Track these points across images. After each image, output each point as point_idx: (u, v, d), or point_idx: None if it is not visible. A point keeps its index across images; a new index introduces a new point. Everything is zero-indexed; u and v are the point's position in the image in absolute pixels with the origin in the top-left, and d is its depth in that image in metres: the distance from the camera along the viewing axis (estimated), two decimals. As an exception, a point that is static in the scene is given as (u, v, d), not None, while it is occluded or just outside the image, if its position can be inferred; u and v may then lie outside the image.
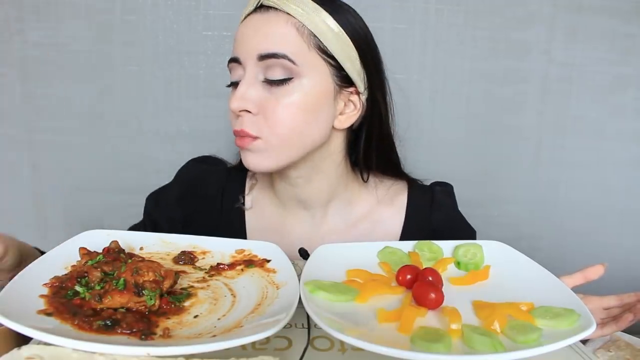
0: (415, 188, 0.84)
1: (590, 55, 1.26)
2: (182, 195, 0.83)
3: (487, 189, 1.31)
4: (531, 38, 1.24)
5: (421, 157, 1.24)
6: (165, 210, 0.83)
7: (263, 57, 0.66)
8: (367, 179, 0.80)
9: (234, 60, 0.69)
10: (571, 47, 1.25)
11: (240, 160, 0.84)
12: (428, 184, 0.87)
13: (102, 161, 1.24)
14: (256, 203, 0.83)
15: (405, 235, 0.81)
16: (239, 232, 0.81)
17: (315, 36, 0.67)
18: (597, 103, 1.29)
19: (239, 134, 0.68)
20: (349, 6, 0.71)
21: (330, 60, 0.68)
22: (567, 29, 1.25)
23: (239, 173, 0.85)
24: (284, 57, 0.66)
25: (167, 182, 0.86)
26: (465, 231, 0.86)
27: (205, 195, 0.83)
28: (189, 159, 0.87)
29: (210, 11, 1.19)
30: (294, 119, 0.67)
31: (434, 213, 0.83)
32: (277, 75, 0.66)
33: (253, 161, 0.70)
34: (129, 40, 1.18)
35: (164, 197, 0.85)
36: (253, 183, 0.84)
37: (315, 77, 0.68)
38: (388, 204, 0.82)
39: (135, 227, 0.85)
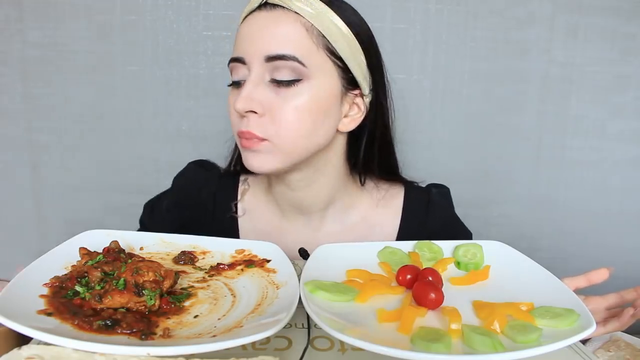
0: (412, 190, 0.83)
1: (590, 55, 1.26)
2: (175, 203, 0.82)
3: (487, 189, 1.31)
4: (531, 38, 1.24)
5: (421, 158, 1.25)
6: (159, 219, 0.82)
7: (271, 59, 0.64)
8: (365, 182, 0.79)
9: (237, 60, 0.67)
10: (571, 47, 1.25)
11: (230, 165, 0.82)
12: (424, 185, 0.86)
13: (102, 161, 1.24)
14: (249, 209, 0.81)
15: (401, 238, 0.80)
16: (232, 238, 0.80)
17: (324, 37, 0.65)
18: (597, 103, 1.29)
19: (245, 136, 0.66)
20: (351, 6, 0.70)
21: (338, 62, 0.67)
22: (567, 29, 1.25)
23: (230, 178, 0.83)
24: (293, 59, 0.64)
25: (167, 183, 0.86)
26: (461, 233, 0.85)
27: (198, 202, 0.81)
28: (189, 159, 0.86)
29: (210, 11, 1.19)
30: (301, 122, 0.65)
31: (430, 215, 0.82)
32: (285, 76, 0.64)
33: (257, 162, 0.67)
34: (129, 40, 1.18)
35: (158, 206, 0.84)
36: (245, 188, 0.82)
37: (323, 79, 0.66)
38: (385, 207, 0.81)
39: None
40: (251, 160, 0.68)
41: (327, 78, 0.67)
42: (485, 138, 1.29)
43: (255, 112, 0.65)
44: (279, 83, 0.65)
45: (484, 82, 1.26)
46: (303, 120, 0.65)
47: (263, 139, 0.66)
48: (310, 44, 0.65)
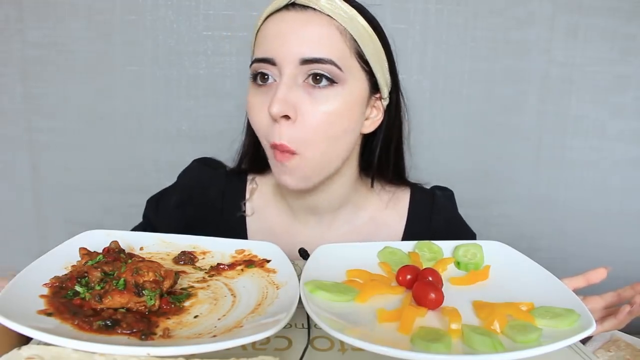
0: (417, 192, 0.83)
1: (590, 55, 1.26)
2: (182, 201, 0.81)
3: (487, 189, 1.31)
4: (531, 38, 1.24)
5: (421, 158, 1.24)
6: (165, 216, 0.81)
7: (307, 61, 0.62)
8: (373, 184, 0.79)
9: (266, 60, 0.64)
10: (571, 47, 1.25)
11: (239, 163, 0.82)
12: (428, 187, 0.86)
13: (102, 161, 1.24)
14: (258, 208, 0.81)
15: (406, 239, 0.80)
16: (241, 238, 0.79)
17: (355, 41, 0.65)
18: (597, 103, 1.29)
19: (279, 149, 0.65)
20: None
21: (365, 66, 0.67)
22: (567, 29, 1.25)
23: (238, 177, 0.82)
24: (331, 62, 0.63)
25: (167, 183, 0.85)
26: (465, 234, 0.86)
27: (205, 201, 0.80)
28: (189, 159, 0.86)
29: (210, 11, 1.19)
30: (332, 126, 0.65)
31: (434, 216, 0.82)
32: (321, 79, 0.63)
33: (291, 182, 0.67)
34: (129, 40, 1.18)
35: (163, 203, 0.83)
36: (253, 187, 0.81)
37: (355, 84, 0.66)
38: (391, 208, 0.82)
39: (135, 230, 0.83)
40: (286, 179, 0.67)
41: (358, 82, 0.66)
42: (485, 138, 1.29)
43: (288, 118, 0.64)
44: (314, 85, 0.63)
45: (484, 82, 1.26)
46: (334, 124, 0.65)
47: (293, 153, 0.65)
48: (345, 48, 0.64)
